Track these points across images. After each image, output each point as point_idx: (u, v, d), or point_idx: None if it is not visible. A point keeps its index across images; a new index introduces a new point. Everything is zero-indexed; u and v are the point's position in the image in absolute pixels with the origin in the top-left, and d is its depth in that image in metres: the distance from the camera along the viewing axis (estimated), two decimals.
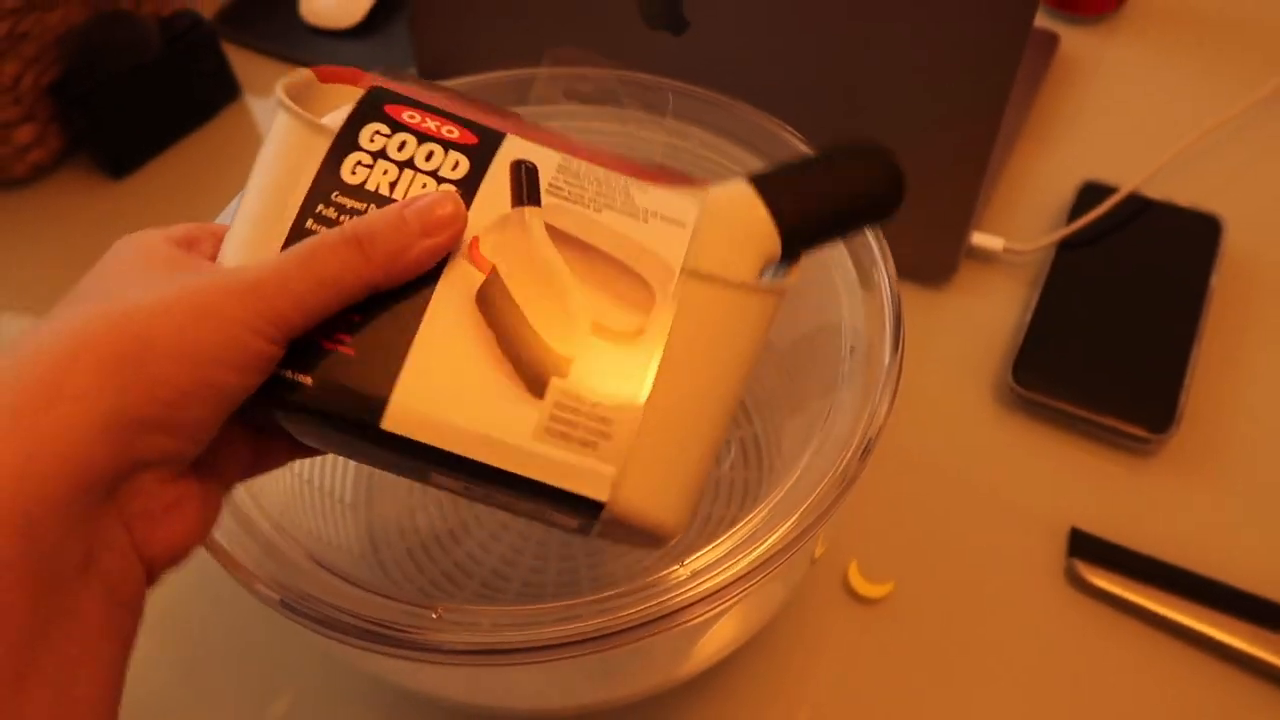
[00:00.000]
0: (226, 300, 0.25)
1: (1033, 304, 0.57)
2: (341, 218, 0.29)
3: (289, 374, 0.28)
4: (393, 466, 0.31)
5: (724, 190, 0.33)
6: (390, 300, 0.28)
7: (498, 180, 0.30)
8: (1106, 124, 0.69)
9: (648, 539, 0.30)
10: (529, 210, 0.30)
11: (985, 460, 0.52)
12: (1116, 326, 0.56)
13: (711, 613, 0.31)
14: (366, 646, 0.30)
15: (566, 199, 0.30)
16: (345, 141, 0.30)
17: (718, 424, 0.31)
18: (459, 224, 0.29)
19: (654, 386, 0.29)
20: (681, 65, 0.55)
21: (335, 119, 0.31)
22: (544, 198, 0.30)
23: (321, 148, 0.30)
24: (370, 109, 0.30)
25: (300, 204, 0.29)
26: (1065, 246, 0.60)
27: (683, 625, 0.31)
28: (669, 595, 0.31)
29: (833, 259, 0.42)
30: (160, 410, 0.24)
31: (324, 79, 0.32)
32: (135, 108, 0.67)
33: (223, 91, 0.72)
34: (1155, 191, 0.62)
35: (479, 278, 0.29)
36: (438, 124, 0.31)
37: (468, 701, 0.39)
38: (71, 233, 0.66)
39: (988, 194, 0.64)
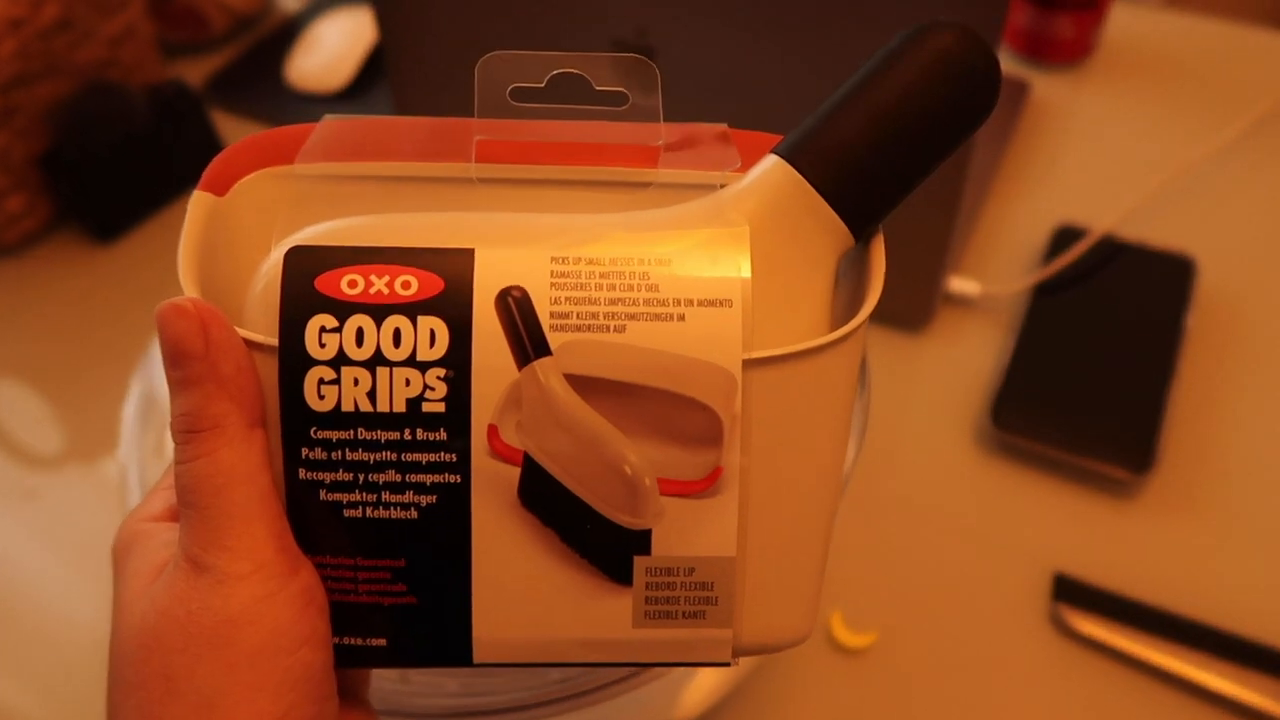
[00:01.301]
0: (225, 601, 0.24)
1: (1011, 347, 0.57)
2: (332, 456, 0.25)
3: (361, 641, 0.26)
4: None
5: (759, 190, 0.26)
6: (429, 533, 0.25)
7: (488, 333, 0.24)
8: (1079, 168, 0.70)
9: (782, 648, 0.28)
10: (539, 367, 0.24)
11: (967, 505, 0.52)
12: (1094, 368, 0.56)
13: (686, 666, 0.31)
14: None
15: (578, 324, 0.25)
16: (292, 358, 0.24)
17: (825, 507, 0.27)
18: (189, 318, 0.24)
19: (747, 521, 0.25)
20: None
21: (268, 314, 0.25)
22: (550, 334, 0.24)
23: (269, 367, 0.25)
24: (300, 294, 0.25)
25: (282, 456, 0.25)
26: (1041, 290, 0.60)
27: (658, 679, 0.31)
28: None
29: None
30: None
31: (230, 169, 0.28)
32: (124, 175, 0.68)
33: (210, 157, 0.73)
34: (1129, 233, 0.63)
35: (512, 473, 0.25)
36: (387, 280, 0.25)
37: None
38: (61, 299, 0.67)
39: (963, 239, 0.65)
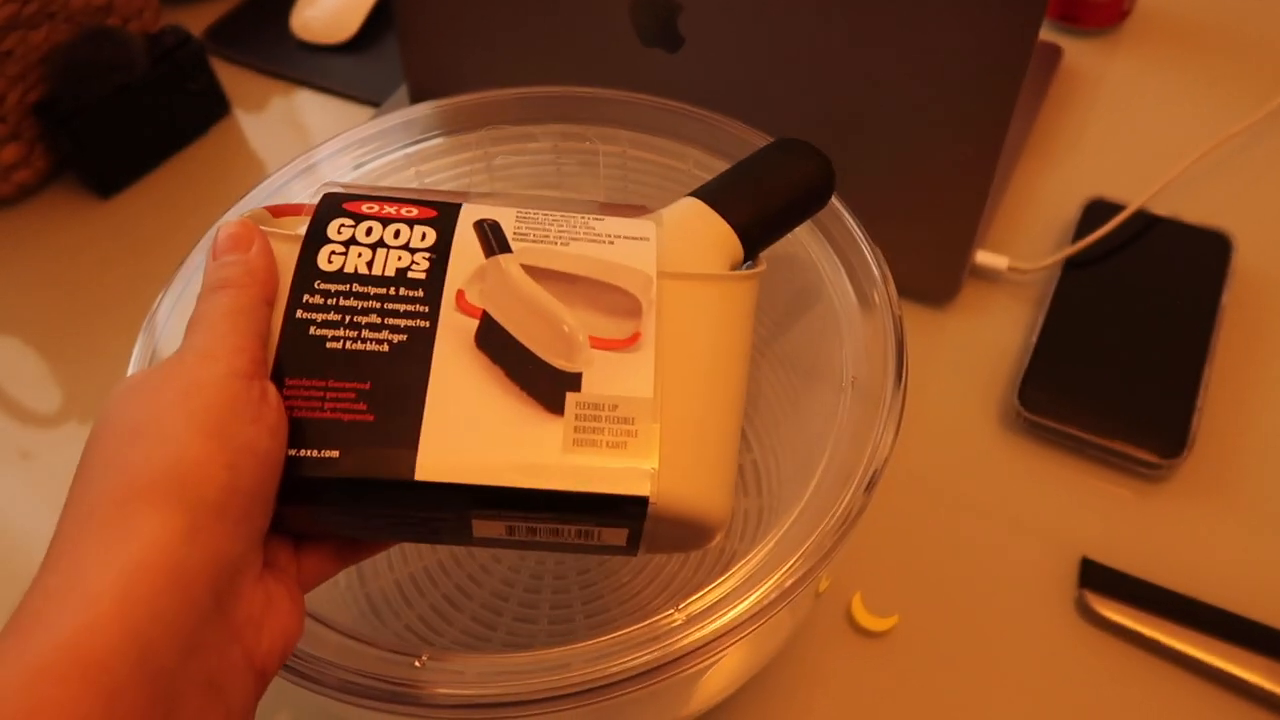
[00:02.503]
0: (199, 369, 0.27)
1: (1038, 324, 0.55)
2: (328, 301, 0.30)
3: (315, 452, 0.29)
4: (433, 529, 0.31)
5: (677, 208, 0.35)
6: (395, 362, 0.30)
7: (466, 240, 0.32)
8: (1111, 139, 0.68)
9: (696, 532, 0.30)
10: (503, 258, 0.32)
11: (991, 486, 0.51)
12: (1125, 347, 0.54)
13: (708, 661, 0.30)
14: (340, 698, 0.29)
15: (533, 241, 0.32)
16: (315, 237, 0.32)
17: (730, 408, 0.32)
18: (250, 228, 0.31)
19: (663, 380, 0.30)
20: (677, 83, 0.54)
21: (301, 227, 0.33)
22: (512, 244, 0.32)
23: (294, 250, 0.31)
24: (330, 208, 0.32)
25: (286, 298, 0.30)
26: (1071, 265, 0.58)
27: (679, 675, 0.29)
28: (666, 642, 0.30)
29: (833, 281, 0.41)
30: (220, 492, 0.25)
31: (275, 214, 0.34)
32: (122, 127, 0.66)
33: (212, 109, 0.71)
34: (1162, 208, 0.61)
35: (472, 324, 0.30)
36: (395, 208, 0.33)
37: None
38: (59, 254, 0.65)
39: (991, 211, 0.62)
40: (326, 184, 0.34)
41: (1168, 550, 0.48)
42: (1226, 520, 0.49)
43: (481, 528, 0.30)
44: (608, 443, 0.29)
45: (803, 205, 0.36)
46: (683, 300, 0.31)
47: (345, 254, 0.31)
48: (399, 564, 0.46)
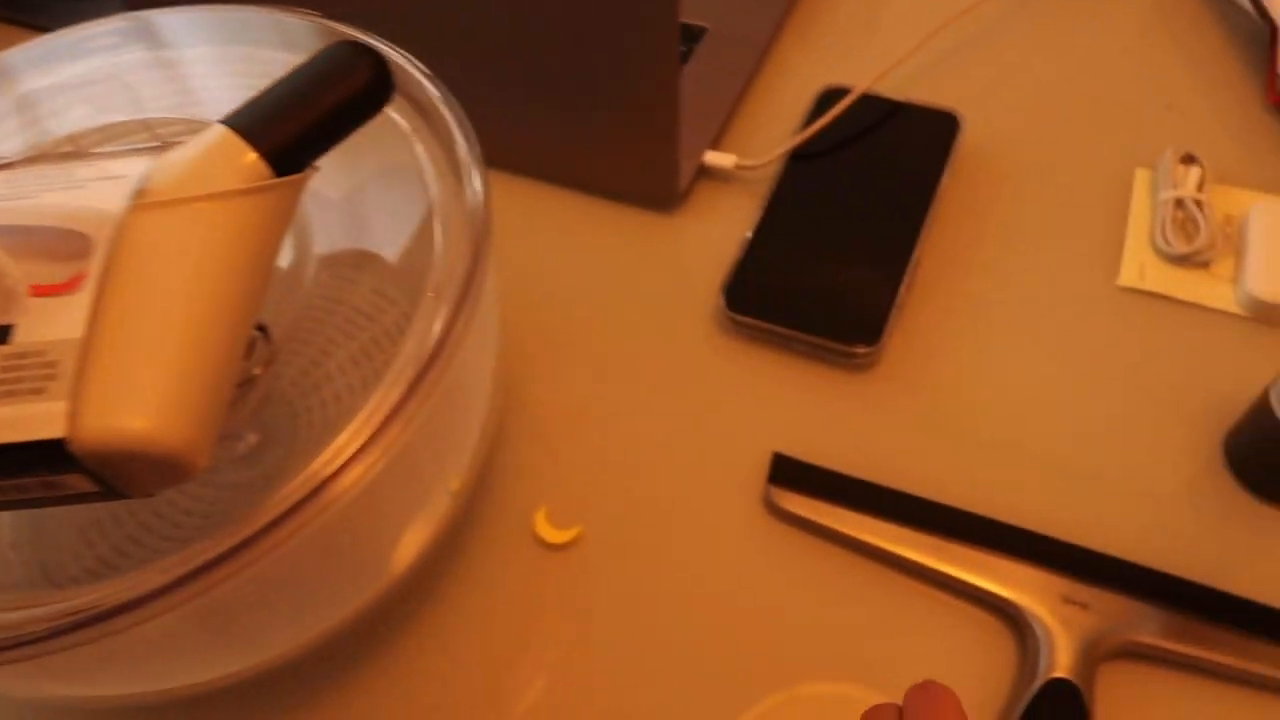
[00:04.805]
0: None
1: (755, 221, 0.54)
2: None
3: None
4: None
5: (199, 137, 0.33)
6: None
7: None
8: (860, 29, 0.66)
9: (165, 464, 0.30)
10: None
11: (696, 391, 0.50)
12: (841, 237, 0.54)
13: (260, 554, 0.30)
14: None
15: (6, 199, 0.32)
16: None
17: (202, 328, 0.31)
18: None
19: (104, 315, 0.29)
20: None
21: None
22: None
23: None
24: None
25: None
26: (799, 158, 0.57)
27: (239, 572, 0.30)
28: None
29: (428, 176, 0.40)
30: None
31: None
32: None
33: None
34: (901, 93, 0.59)
35: None
36: None
37: (84, 694, 0.38)
38: None
39: (730, 111, 0.61)
40: None
41: (865, 440, 0.48)
42: (922, 407, 0.49)
43: None
44: (29, 390, 0.28)
45: (350, 114, 0.34)
46: (159, 229, 0.31)
47: None
48: (86, 555, 0.45)
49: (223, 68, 0.48)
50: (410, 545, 0.42)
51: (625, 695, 0.42)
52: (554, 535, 0.46)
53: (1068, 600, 0.41)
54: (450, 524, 0.43)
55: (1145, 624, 0.41)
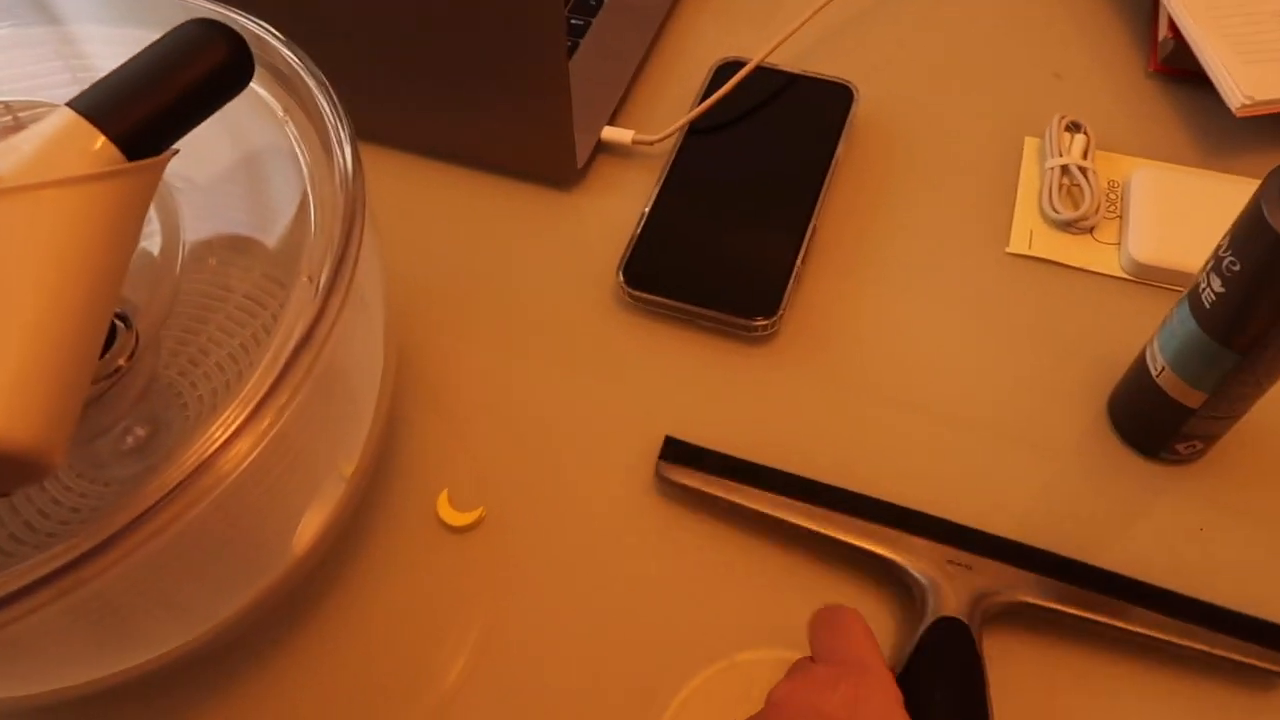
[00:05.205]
0: None
1: (652, 196, 0.54)
2: None
3: None
4: None
5: (44, 121, 0.31)
6: None
7: None
8: (750, 2, 0.66)
9: (9, 460, 0.28)
10: None
11: (596, 368, 0.50)
12: (738, 209, 0.54)
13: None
14: None
15: None
16: None
17: (51, 320, 0.30)
18: None
19: None
20: None
21: None
22: None
23: None
24: None
25: None
26: (695, 132, 0.57)
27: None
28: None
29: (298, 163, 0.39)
30: None
31: None
32: None
33: None
34: (799, 65, 0.60)
35: None
36: None
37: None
38: None
39: (628, 85, 0.61)
40: None
41: (765, 412, 0.48)
42: (821, 376, 0.50)
43: None
44: None
45: (206, 95, 0.33)
46: (1, 217, 0.29)
47: None
48: None
49: (115, 49, 0.47)
50: (307, 531, 0.41)
51: (549, 674, 0.42)
52: (456, 518, 0.45)
53: (951, 562, 0.42)
54: (348, 508, 0.42)
55: (1026, 587, 0.42)
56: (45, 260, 0.30)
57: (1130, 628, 0.41)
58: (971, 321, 0.51)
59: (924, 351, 0.50)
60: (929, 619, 0.41)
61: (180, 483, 0.31)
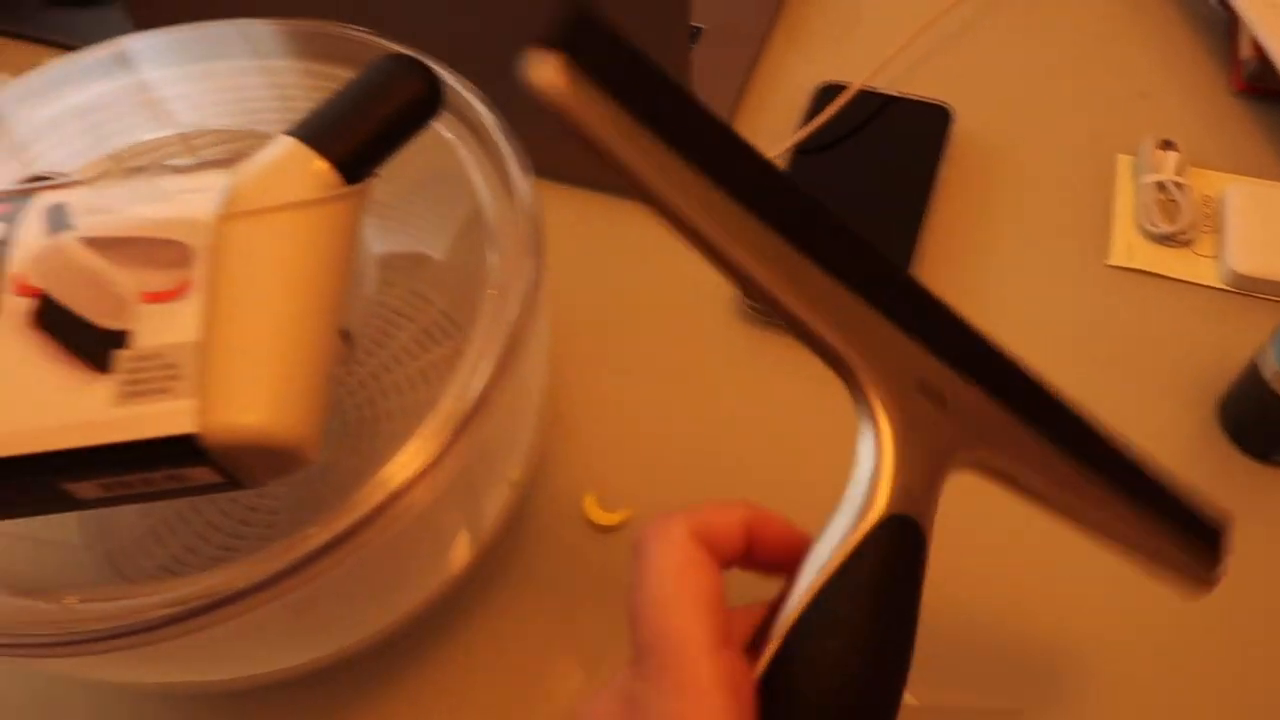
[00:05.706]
0: None
1: None
2: None
3: None
4: (29, 500, 0.32)
5: (269, 148, 0.35)
6: None
7: (30, 227, 0.34)
8: (849, 25, 0.69)
9: (281, 455, 0.32)
10: (62, 237, 0.34)
11: (721, 377, 0.53)
12: None
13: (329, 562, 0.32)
14: None
15: (99, 214, 0.34)
16: None
17: (306, 331, 0.33)
18: None
19: (219, 319, 0.32)
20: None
21: None
22: (78, 221, 0.34)
23: None
24: None
25: None
26: (802, 152, 0.60)
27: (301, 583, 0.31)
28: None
29: (481, 191, 0.42)
30: None
31: None
32: None
33: None
34: (893, 87, 0.62)
35: (30, 304, 0.32)
36: None
37: (170, 681, 0.39)
38: None
39: (731, 109, 0.63)
40: None
41: None
42: None
43: (80, 490, 0.31)
44: (155, 390, 0.31)
45: (407, 123, 0.37)
46: (250, 237, 0.33)
47: None
48: (157, 552, 0.47)
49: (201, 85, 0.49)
50: (485, 524, 0.43)
51: None
52: (602, 517, 0.48)
53: (922, 387, 0.29)
54: (512, 513, 0.45)
55: (1009, 443, 0.30)
56: (292, 274, 0.33)
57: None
58: (1078, 330, 0.53)
59: (1032, 361, 0.52)
60: (870, 514, 0.27)
61: (400, 489, 0.33)
